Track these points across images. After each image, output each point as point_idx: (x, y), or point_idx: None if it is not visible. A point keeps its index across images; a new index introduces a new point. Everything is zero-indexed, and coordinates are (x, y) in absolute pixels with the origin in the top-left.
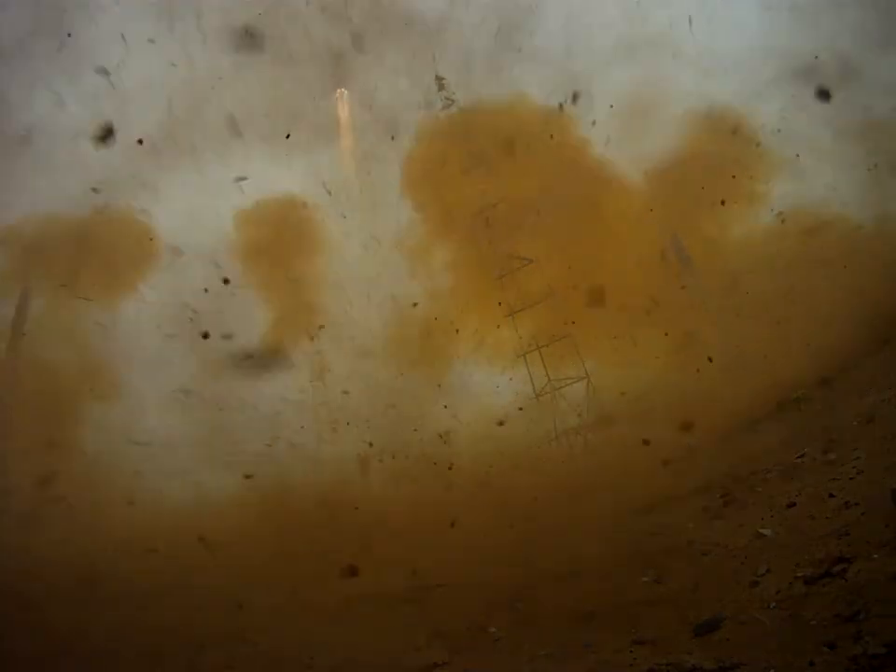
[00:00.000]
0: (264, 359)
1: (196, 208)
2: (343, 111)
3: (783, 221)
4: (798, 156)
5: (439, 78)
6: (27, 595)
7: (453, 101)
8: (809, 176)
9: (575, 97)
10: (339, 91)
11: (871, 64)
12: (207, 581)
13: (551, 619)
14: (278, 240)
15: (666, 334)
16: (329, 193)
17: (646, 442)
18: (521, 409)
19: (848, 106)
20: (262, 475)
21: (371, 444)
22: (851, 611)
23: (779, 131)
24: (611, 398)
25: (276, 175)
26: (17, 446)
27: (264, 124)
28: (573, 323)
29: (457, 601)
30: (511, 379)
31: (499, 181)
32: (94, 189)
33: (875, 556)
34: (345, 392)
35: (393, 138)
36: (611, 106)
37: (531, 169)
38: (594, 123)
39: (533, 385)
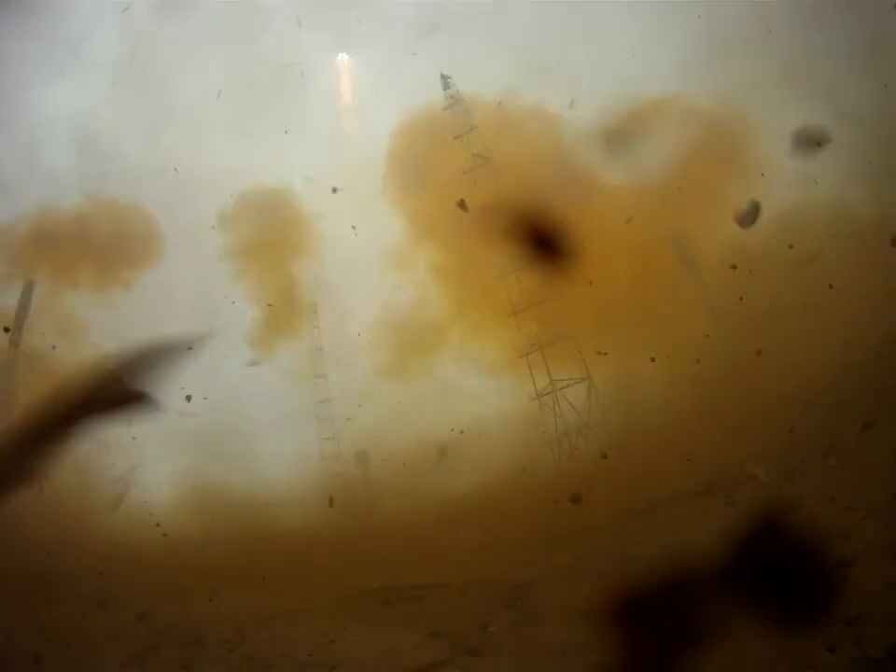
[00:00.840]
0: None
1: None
2: (346, 82)
3: (785, 223)
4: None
5: (444, 77)
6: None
7: (457, 99)
8: (814, 178)
9: (574, 97)
10: (340, 55)
11: None
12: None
13: (551, 619)
14: (269, 236)
15: (668, 336)
16: (333, 190)
17: (646, 443)
18: (522, 409)
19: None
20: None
21: (370, 444)
22: (852, 615)
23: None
24: (612, 398)
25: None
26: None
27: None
28: (575, 323)
29: (457, 601)
30: (512, 379)
31: (502, 180)
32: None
33: (877, 560)
34: (344, 392)
35: (392, 135)
36: (612, 104)
37: (533, 167)
38: (594, 121)
39: (535, 385)
